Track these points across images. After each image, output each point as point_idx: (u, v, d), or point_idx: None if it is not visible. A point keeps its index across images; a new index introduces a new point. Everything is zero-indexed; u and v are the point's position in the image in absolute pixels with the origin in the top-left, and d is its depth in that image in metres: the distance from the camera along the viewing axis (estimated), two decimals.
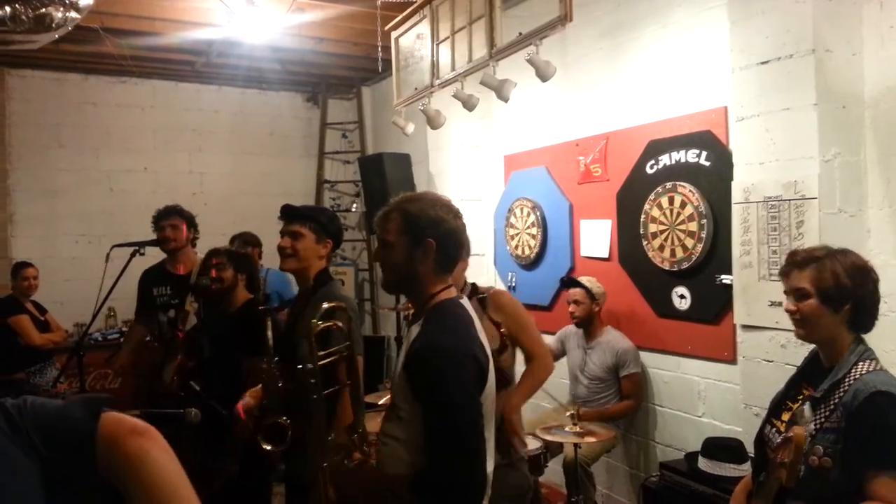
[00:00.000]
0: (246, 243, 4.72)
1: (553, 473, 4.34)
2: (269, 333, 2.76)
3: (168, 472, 1.11)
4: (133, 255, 3.92)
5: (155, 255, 4.23)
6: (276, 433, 2.49)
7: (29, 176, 6.31)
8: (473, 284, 2.82)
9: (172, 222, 4.16)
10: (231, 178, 7.08)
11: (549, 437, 3.43)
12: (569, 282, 4.17)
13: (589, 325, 4.08)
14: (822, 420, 1.82)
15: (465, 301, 1.94)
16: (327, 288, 2.70)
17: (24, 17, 4.21)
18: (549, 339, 4.36)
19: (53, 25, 4.25)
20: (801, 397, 1.96)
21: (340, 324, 2.33)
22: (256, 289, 3.63)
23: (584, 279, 4.10)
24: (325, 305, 2.32)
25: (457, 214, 1.90)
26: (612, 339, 4.03)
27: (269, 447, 2.47)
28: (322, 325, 2.28)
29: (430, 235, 1.82)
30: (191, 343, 3.84)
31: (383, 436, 1.87)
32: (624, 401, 3.99)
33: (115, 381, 5.82)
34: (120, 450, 1.10)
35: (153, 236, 4.15)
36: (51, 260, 5.91)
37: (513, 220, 5.08)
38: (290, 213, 2.78)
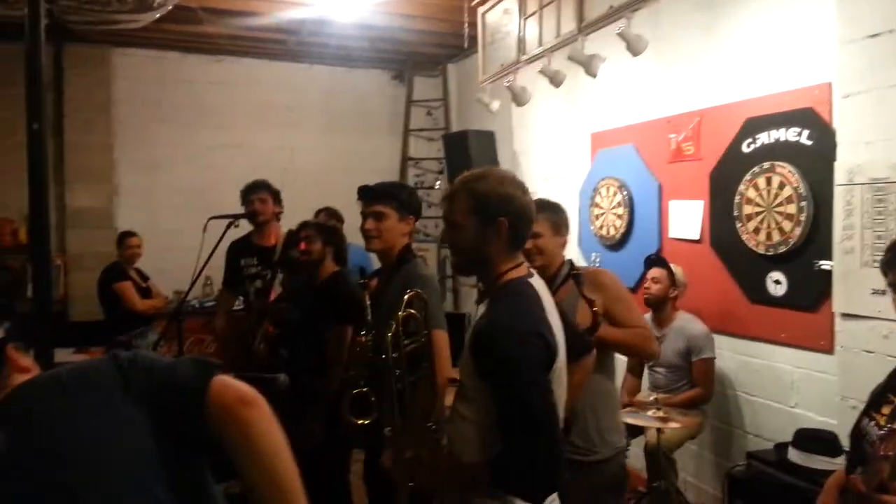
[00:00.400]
0: (331, 216, 4.83)
1: (633, 457, 4.28)
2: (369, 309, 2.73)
3: (272, 440, 1.18)
4: (228, 226, 4.08)
5: (248, 227, 4.40)
6: (361, 405, 2.53)
7: (132, 150, 6.68)
8: (570, 262, 2.71)
9: (261, 196, 4.32)
10: (319, 154, 7.25)
11: (629, 420, 3.39)
12: (656, 260, 4.04)
13: (661, 309, 3.94)
14: None
15: (535, 280, 1.89)
16: (411, 265, 2.67)
17: None
18: None
19: (155, 5, 4.46)
20: None
21: (414, 311, 2.26)
22: (343, 261, 3.72)
23: (671, 264, 3.98)
24: (406, 296, 2.25)
25: (524, 189, 1.85)
26: (685, 323, 3.89)
27: (354, 419, 2.51)
28: (403, 315, 2.25)
29: (502, 214, 1.78)
30: (277, 312, 3.98)
31: (453, 412, 1.88)
32: (693, 389, 3.83)
33: (211, 346, 6.11)
34: (229, 416, 1.17)
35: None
36: (152, 230, 6.23)
37: (598, 199, 4.99)
38: (370, 194, 2.72)
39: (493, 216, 1.78)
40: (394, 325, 2.14)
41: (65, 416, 1.13)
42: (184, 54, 6.83)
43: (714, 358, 3.85)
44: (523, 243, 1.88)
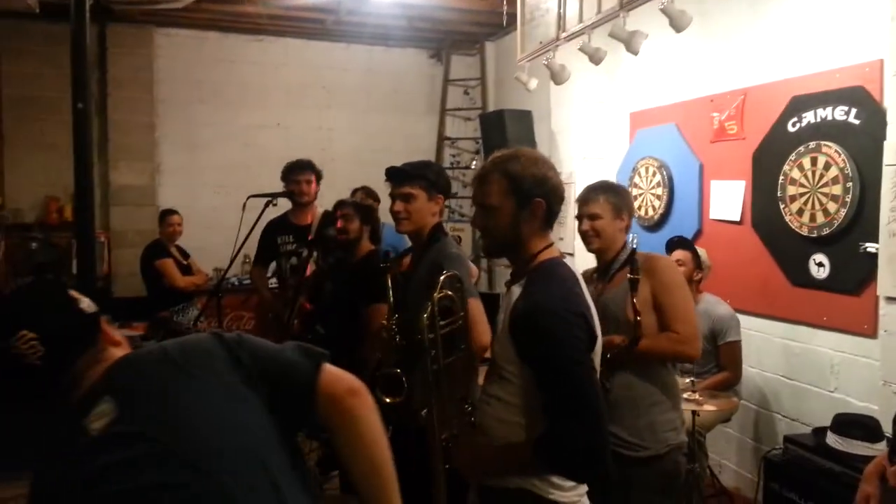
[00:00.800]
0: (368, 195, 4.86)
1: None
2: (390, 290, 2.77)
3: (374, 429, 1.28)
4: (266, 205, 4.13)
5: (286, 205, 4.45)
6: (392, 385, 2.55)
7: (174, 129, 6.79)
8: (633, 249, 2.66)
9: (307, 177, 4.36)
10: (357, 134, 7.28)
11: None
12: (679, 242, 3.90)
13: None
14: None
15: (568, 260, 1.90)
16: (441, 244, 2.66)
17: None
18: None
19: None
20: None
21: (451, 293, 2.25)
22: (378, 241, 3.74)
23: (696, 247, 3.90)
24: (442, 277, 2.21)
25: (555, 169, 1.87)
26: (709, 305, 3.79)
27: (386, 399, 2.52)
28: (439, 296, 2.24)
29: (538, 195, 1.78)
30: (313, 289, 4.03)
31: (485, 395, 1.88)
32: (721, 373, 3.74)
33: (249, 323, 6.23)
34: (337, 406, 1.25)
35: (283, 188, 4.35)
36: (193, 208, 6.34)
37: (637, 179, 4.92)
38: (398, 175, 2.73)
39: (530, 196, 1.78)
40: (429, 307, 2.13)
41: (177, 387, 1.17)
42: (224, 34, 6.89)
43: (740, 340, 3.76)
44: (554, 221, 1.88)
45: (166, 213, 5.65)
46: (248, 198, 4.10)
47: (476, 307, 2.40)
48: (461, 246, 4.16)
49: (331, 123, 7.27)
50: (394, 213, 2.72)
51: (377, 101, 7.43)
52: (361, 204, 3.87)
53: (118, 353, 1.23)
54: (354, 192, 4.99)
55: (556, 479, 1.73)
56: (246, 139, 6.97)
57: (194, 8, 5.60)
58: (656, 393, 2.47)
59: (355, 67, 7.35)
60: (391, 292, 2.58)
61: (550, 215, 1.83)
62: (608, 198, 2.60)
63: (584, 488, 1.80)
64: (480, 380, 2.07)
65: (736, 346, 3.76)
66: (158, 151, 6.75)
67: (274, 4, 5.72)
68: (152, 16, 6.24)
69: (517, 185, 1.78)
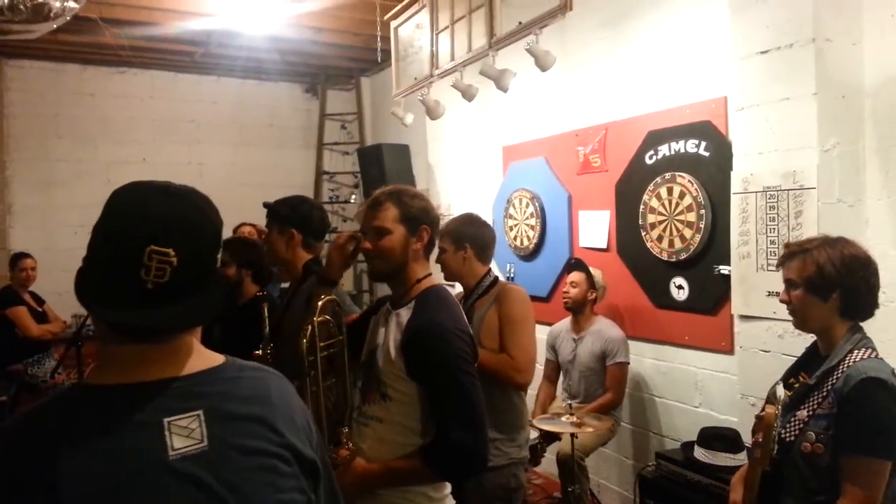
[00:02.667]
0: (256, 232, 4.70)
1: (549, 463, 4.35)
2: (266, 321, 2.72)
3: None
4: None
5: None
6: None
7: (27, 167, 6.32)
8: (495, 277, 2.83)
9: None
10: (230, 169, 7.07)
11: (545, 427, 3.44)
12: (575, 264, 4.11)
13: (580, 312, 4.01)
14: (815, 406, 1.83)
15: (449, 288, 2.06)
16: (314, 278, 2.61)
17: (22, 6, 4.20)
18: (542, 338, 4.37)
19: (51, 15, 4.23)
20: (797, 385, 1.97)
21: (330, 317, 2.26)
22: (265, 280, 3.60)
23: (591, 269, 4.07)
24: (321, 302, 2.23)
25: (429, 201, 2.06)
26: (603, 327, 3.97)
27: None
28: (319, 320, 2.24)
29: (425, 222, 1.96)
30: (203, 334, 3.83)
31: (362, 417, 1.95)
32: (605, 394, 3.87)
33: None
34: None
35: None
36: (49, 251, 5.91)
37: (511, 210, 5.08)
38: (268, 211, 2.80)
39: (418, 224, 1.95)
40: (309, 329, 2.13)
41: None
42: (83, 66, 6.53)
43: (628, 363, 3.94)
44: (430, 252, 2.04)
45: (18, 257, 5.25)
46: None
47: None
48: (342, 279, 4.09)
49: (201, 158, 7.02)
50: None
51: (251, 136, 7.26)
52: (239, 245, 3.72)
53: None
54: (237, 228, 4.82)
55: (430, 490, 1.85)
56: (108, 175, 6.59)
57: (50, 39, 5.26)
58: (494, 414, 2.55)
59: (226, 101, 7.16)
60: (267, 322, 2.63)
61: (431, 244, 2.00)
62: (448, 233, 2.77)
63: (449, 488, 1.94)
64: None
65: (623, 368, 3.91)
66: (9, 191, 6.26)
67: (137, 36, 5.49)
68: (2, 46, 5.82)
69: (408, 213, 1.94)
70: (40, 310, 5.26)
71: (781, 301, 2.00)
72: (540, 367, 4.36)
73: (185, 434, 0.98)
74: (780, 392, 1.88)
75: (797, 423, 1.85)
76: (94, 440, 0.94)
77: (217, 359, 1.10)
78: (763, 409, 1.89)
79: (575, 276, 4.02)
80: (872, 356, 1.83)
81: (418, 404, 1.83)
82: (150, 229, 1.00)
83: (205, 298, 1.06)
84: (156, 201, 1.05)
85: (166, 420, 0.98)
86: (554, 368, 4.20)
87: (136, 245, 0.99)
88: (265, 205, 2.78)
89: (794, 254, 1.94)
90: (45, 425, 0.96)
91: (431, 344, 1.81)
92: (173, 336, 1.04)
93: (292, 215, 2.74)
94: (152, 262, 0.98)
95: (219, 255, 1.12)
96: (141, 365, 1.01)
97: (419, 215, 1.95)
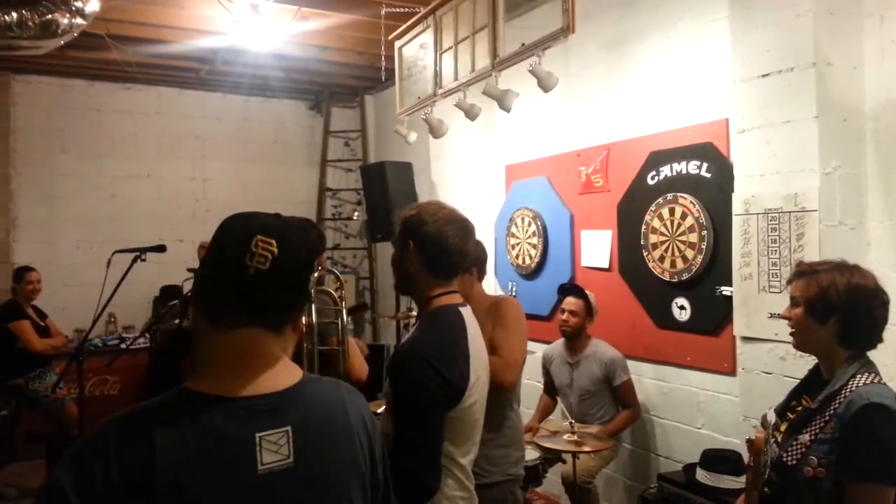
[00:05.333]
0: None
1: (553, 485, 4.33)
2: None
3: None
4: (134, 260, 3.92)
5: (156, 260, 4.22)
6: None
7: (32, 181, 6.34)
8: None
9: None
10: (234, 185, 7.10)
11: (547, 445, 3.43)
12: (571, 289, 4.12)
13: (576, 338, 4.02)
14: (818, 430, 1.82)
15: (465, 310, 1.98)
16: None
17: (30, 23, 4.25)
18: (538, 353, 4.36)
19: (59, 32, 4.28)
20: (800, 408, 1.97)
21: (332, 291, 2.40)
22: None
23: (585, 291, 4.08)
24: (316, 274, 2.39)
25: (448, 221, 1.96)
26: (598, 349, 3.97)
27: None
28: (319, 321, 2.34)
29: (410, 237, 1.95)
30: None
31: (384, 433, 1.95)
32: (623, 411, 3.93)
33: (114, 387, 5.82)
34: None
35: (155, 242, 4.15)
36: (52, 265, 5.93)
37: (514, 229, 5.09)
38: None
39: (405, 238, 1.96)
40: (312, 326, 2.26)
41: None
42: (90, 82, 6.58)
43: (630, 378, 3.95)
44: (445, 270, 1.96)
45: (23, 271, 5.24)
46: (114, 253, 3.87)
47: (354, 344, 2.54)
48: (344, 296, 4.10)
49: (205, 174, 7.05)
50: None
51: (255, 152, 7.30)
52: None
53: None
54: (201, 247, 4.84)
55: None
56: (113, 190, 6.62)
57: (57, 55, 5.31)
58: (492, 429, 2.56)
59: (231, 117, 7.20)
60: None
61: (429, 260, 1.94)
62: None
63: None
64: None
65: (629, 384, 3.93)
66: (14, 205, 6.28)
67: (143, 53, 5.54)
68: (10, 62, 5.87)
69: (401, 227, 1.98)
70: (43, 324, 5.25)
71: (782, 316, 2.01)
72: (541, 386, 4.36)
73: (274, 450, 1.06)
74: (772, 416, 1.89)
75: (799, 447, 1.84)
76: (194, 441, 1.01)
77: (298, 373, 1.17)
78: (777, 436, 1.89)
79: (574, 303, 4.00)
80: (876, 381, 1.82)
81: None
82: (258, 225, 1.13)
83: (299, 300, 1.18)
84: (261, 214, 1.19)
85: (258, 435, 1.05)
86: (551, 387, 4.20)
87: (245, 234, 1.11)
88: None
89: (803, 273, 1.95)
90: (153, 418, 1.03)
91: (392, 366, 1.84)
92: (266, 331, 1.12)
93: None
94: (257, 248, 1.09)
95: (312, 275, 1.23)
96: (238, 374, 1.09)
97: (406, 230, 1.96)
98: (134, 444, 0.98)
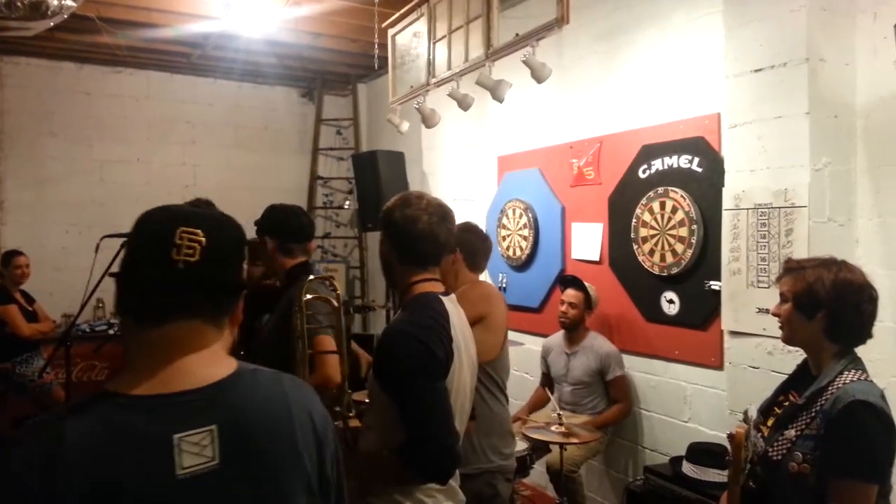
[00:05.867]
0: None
1: (539, 476, 4.35)
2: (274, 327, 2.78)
3: None
4: (122, 246, 3.88)
5: None
6: None
7: (20, 164, 6.28)
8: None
9: None
10: (224, 171, 7.06)
11: (534, 436, 3.44)
12: (571, 281, 4.13)
13: (574, 330, 4.06)
14: (803, 427, 1.84)
15: (447, 299, 1.98)
16: (300, 282, 2.57)
17: (19, 3, 4.19)
18: (535, 349, 4.37)
19: (49, 13, 4.22)
20: (787, 403, 1.98)
21: (324, 297, 2.39)
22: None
23: (585, 284, 4.08)
24: (311, 278, 2.39)
25: (423, 209, 1.94)
26: (596, 343, 4.02)
27: None
28: (308, 298, 2.34)
29: (383, 226, 1.99)
30: None
31: (364, 426, 1.99)
32: (613, 405, 3.98)
33: (102, 373, 5.79)
34: None
35: None
36: (40, 249, 5.88)
37: (505, 220, 5.09)
38: None
39: (386, 227, 1.99)
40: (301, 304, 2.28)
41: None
42: (80, 65, 6.51)
43: (625, 374, 4.00)
44: (419, 258, 1.96)
45: (11, 255, 5.21)
46: (102, 238, 3.84)
47: (327, 342, 2.45)
48: (335, 284, 4.10)
49: (195, 160, 7.00)
50: None
51: (246, 138, 7.25)
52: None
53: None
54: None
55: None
56: (102, 174, 6.57)
57: (46, 36, 5.24)
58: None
59: (222, 103, 7.15)
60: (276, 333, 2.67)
61: (401, 247, 1.96)
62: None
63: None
64: None
65: (622, 379, 3.98)
66: (2, 188, 6.22)
67: (134, 37, 5.48)
68: None
69: (381, 219, 2.02)
70: (30, 309, 5.22)
71: (772, 313, 2.03)
72: (531, 378, 4.37)
73: (195, 451, 0.96)
74: (753, 412, 1.92)
75: (785, 442, 1.86)
76: (106, 443, 0.93)
77: (230, 364, 1.09)
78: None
79: (573, 296, 4.04)
80: (862, 378, 1.83)
81: (392, 421, 1.80)
82: (180, 217, 1.07)
83: (233, 292, 1.11)
84: (179, 206, 1.14)
85: (176, 437, 0.96)
86: (548, 379, 4.23)
87: (167, 228, 1.04)
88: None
89: (791, 269, 1.98)
90: (63, 420, 0.95)
91: (382, 349, 1.85)
92: (204, 324, 1.06)
93: (264, 223, 2.87)
94: (182, 241, 1.03)
95: (244, 263, 1.16)
96: (159, 371, 1.01)
97: (384, 218, 1.98)
98: (42, 446, 0.92)
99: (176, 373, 1.02)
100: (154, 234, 1.06)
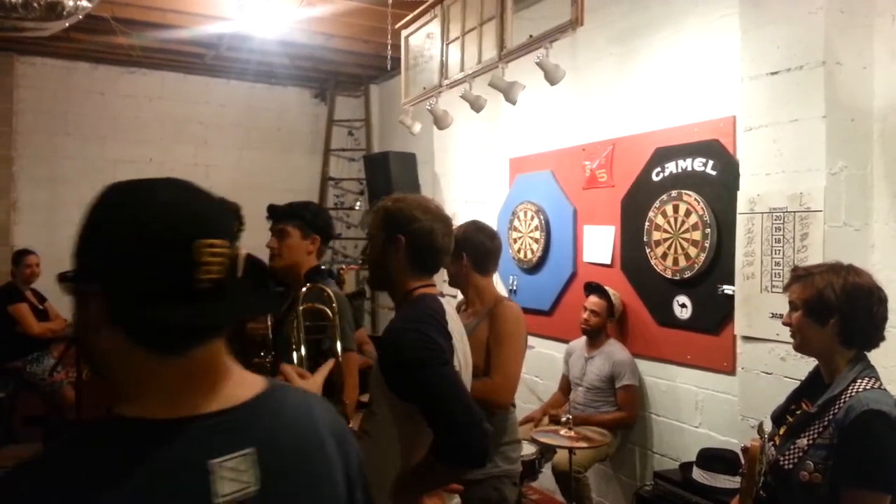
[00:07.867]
0: None
1: (548, 480, 4.32)
2: (270, 328, 2.73)
3: None
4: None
5: None
6: None
7: (34, 163, 6.33)
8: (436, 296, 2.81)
9: None
10: (237, 171, 7.08)
11: (543, 440, 3.42)
12: (595, 288, 4.11)
13: (595, 336, 4.07)
14: (816, 435, 1.81)
15: (445, 300, 1.96)
16: (321, 282, 2.64)
17: (35, 4, 4.22)
18: (547, 353, 4.35)
19: (64, 13, 4.26)
20: (799, 412, 1.95)
21: (321, 305, 2.32)
22: None
23: (609, 290, 4.06)
24: (303, 290, 2.34)
25: (436, 218, 1.93)
26: (612, 349, 4.02)
27: None
28: (305, 306, 2.31)
29: (400, 232, 1.89)
30: None
31: (361, 430, 1.93)
32: (618, 411, 3.95)
33: None
34: None
35: None
36: (52, 248, 5.90)
37: (516, 223, 5.07)
38: (275, 213, 2.77)
39: (393, 232, 1.90)
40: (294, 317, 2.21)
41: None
42: (94, 65, 6.55)
43: (635, 385, 3.96)
44: (430, 266, 1.95)
45: (22, 254, 5.24)
46: None
47: (353, 360, 2.44)
48: (344, 287, 4.10)
49: (208, 160, 7.03)
50: (269, 248, 2.75)
51: (258, 139, 7.27)
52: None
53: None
54: None
55: None
56: (115, 174, 6.50)
57: (62, 37, 5.29)
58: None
59: (235, 103, 7.17)
60: (271, 333, 2.63)
61: (417, 256, 1.91)
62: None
63: None
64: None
65: (631, 390, 3.95)
66: (15, 187, 6.26)
67: (148, 37, 5.51)
68: (14, 43, 5.84)
69: (386, 220, 1.93)
70: (41, 307, 5.25)
71: (784, 324, 1.99)
72: (541, 382, 4.35)
73: (232, 477, 0.87)
74: (768, 425, 1.89)
75: (797, 451, 1.83)
76: (131, 482, 0.82)
77: (258, 383, 0.98)
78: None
79: (595, 303, 4.04)
80: (876, 387, 1.81)
81: (396, 424, 1.78)
82: (196, 223, 0.90)
83: (249, 290, 0.97)
84: (193, 204, 0.94)
85: (212, 462, 0.86)
86: (567, 383, 4.24)
87: (181, 241, 0.87)
88: (284, 210, 2.76)
89: (799, 277, 1.95)
90: (78, 463, 0.83)
91: (391, 346, 1.82)
92: (221, 341, 0.94)
93: (317, 220, 2.78)
94: (203, 257, 0.87)
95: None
96: (183, 392, 0.89)
97: (396, 224, 1.90)
98: (58, 487, 0.80)
99: (203, 393, 0.91)
100: (166, 249, 0.87)
